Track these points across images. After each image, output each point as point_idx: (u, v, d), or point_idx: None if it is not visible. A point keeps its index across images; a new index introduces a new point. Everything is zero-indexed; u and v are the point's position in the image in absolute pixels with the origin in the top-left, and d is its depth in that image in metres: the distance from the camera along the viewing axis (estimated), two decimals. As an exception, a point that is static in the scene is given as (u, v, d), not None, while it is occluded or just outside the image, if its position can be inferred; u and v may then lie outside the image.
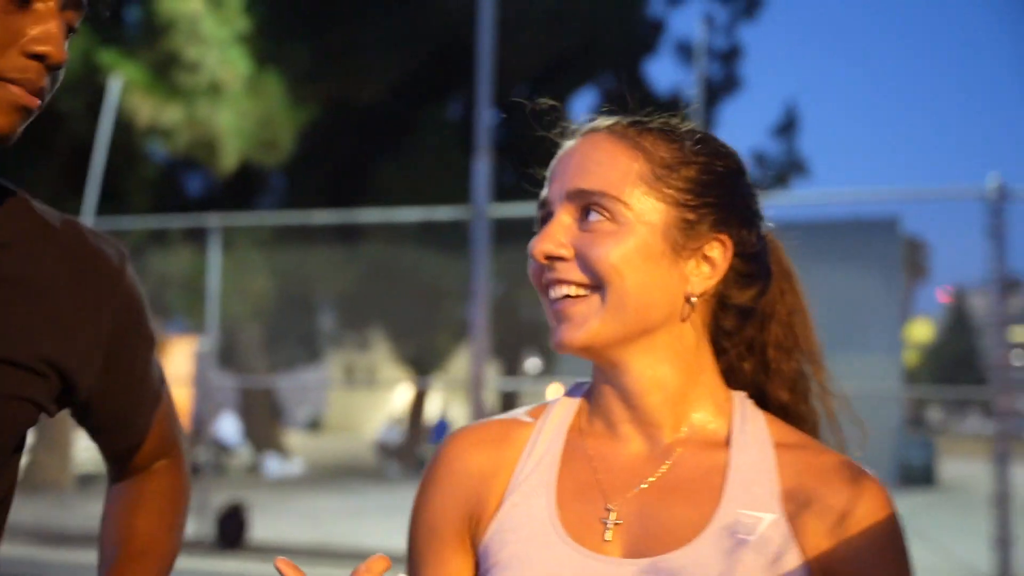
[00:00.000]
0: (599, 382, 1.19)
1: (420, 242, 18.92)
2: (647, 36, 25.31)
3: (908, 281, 38.60)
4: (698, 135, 1.19)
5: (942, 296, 69.49)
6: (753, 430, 1.16)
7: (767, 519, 1.08)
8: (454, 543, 1.18)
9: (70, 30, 1.18)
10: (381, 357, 27.14)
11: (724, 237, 1.13)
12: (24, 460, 1.36)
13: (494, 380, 12.15)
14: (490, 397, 12.52)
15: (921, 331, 69.77)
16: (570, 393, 1.26)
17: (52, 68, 1.16)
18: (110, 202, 16.88)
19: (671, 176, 1.12)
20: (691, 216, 1.11)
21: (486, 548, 1.15)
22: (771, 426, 1.17)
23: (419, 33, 20.87)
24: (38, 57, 1.13)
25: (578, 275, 1.10)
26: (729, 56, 25.87)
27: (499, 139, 15.37)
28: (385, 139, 21.91)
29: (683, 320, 1.14)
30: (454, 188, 15.79)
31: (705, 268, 1.12)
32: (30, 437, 1.45)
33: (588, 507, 1.13)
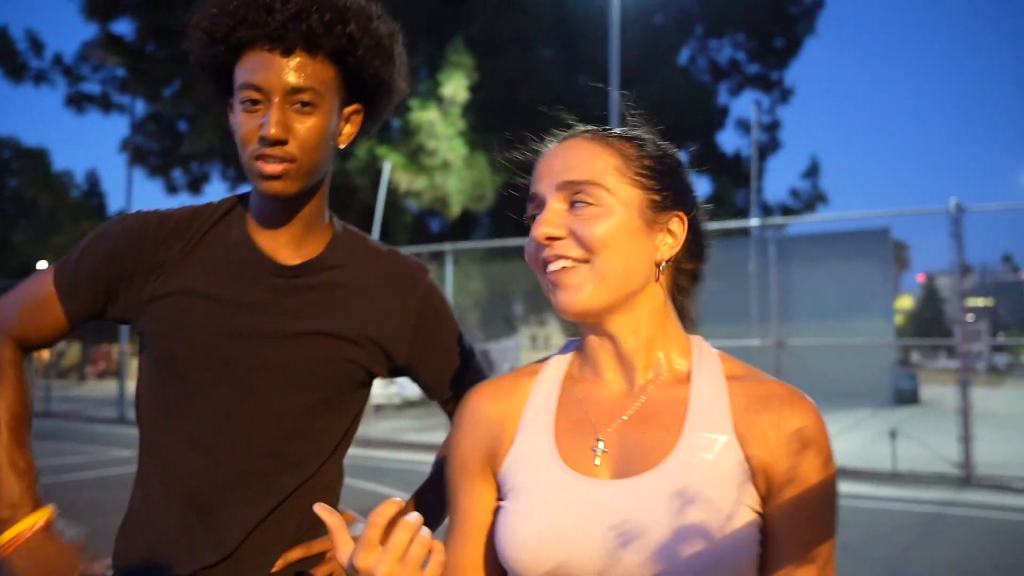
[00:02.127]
0: (587, 337, 1.10)
1: None
2: (717, 117, 26.52)
3: (896, 270, 39.34)
4: (648, 137, 1.11)
5: (920, 278, 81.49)
6: (708, 367, 1.06)
7: (721, 440, 0.99)
8: (479, 475, 1.10)
9: (304, 105, 1.20)
10: (554, 329, 27.86)
11: (681, 213, 1.07)
12: None
13: None
14: None
15: (905, 302, 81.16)
16: (563, 350, 1.17)
17: (275, 143, 1.19)
18: (386, 239, 19.85)
19: (638, 166, 1.05)
20: (656, 197, 1.05)
21: (503, 478, 1.07)
22: (723, 362, 1.07)
23: (572, 122, 23.87)
24: (265, 140, 1.19)
25: (573, 250, 1.02)
26: (772, 127, 27.19)
27: None
28: None
29: (656, 282, 1.06)
30: None
31: (669, 239, 1.06)
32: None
33: (581, 440, 1.04)
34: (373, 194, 19.91)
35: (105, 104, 26.06)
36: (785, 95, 27.37)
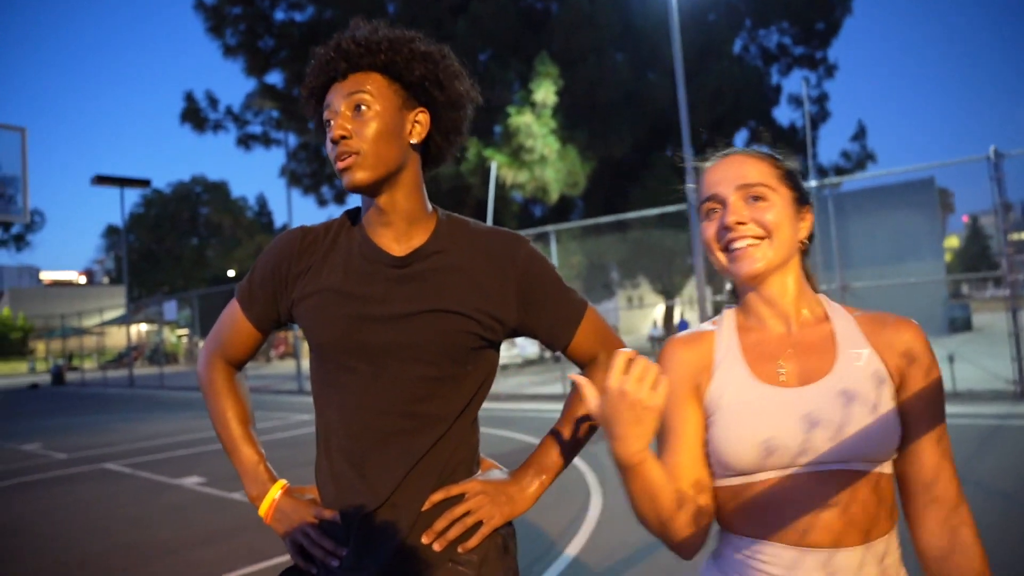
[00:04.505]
0: (750, 299, 1.20)
1: (659, 226, 19.28)
2: (771, 96, 25.94)
3: (942, 214, 35.89)
4: (781, 153, 1.24)
5: (964, 219, 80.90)
6: (838, 310, 1.20)
7: (865, 352, 1.13)
8: (687, 401, 1.18)
9: (356, 111, 1.23)
10: (646, 290, 27.34)
11: (806, 212, 1.20)
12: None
13: (709, 297, 12.57)
14: (708, 307, 12.79)
15: (952, 242, 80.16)
16: (728, 309, 1.27)
17: (342, 138, 1.22)
18: (497, 226, 21.13)
19: (782, 174, 1.19)
20: (796, 194, 1.19)
21: (709, 402, 1.17)
22: (845, 308, 1.20)
23: (645, 113, 22.30)
24: (333, 142, 1.23)
25: (755, 231, 1.14)
26: (820, 99, 26.07)
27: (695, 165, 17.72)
28: (632, 172, 23.06)
29: (800, 252, 1.20)
30: (676, 195, 17.35)
31: (804, 224, 1.20)
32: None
33: (765, 367, 1.15)
34: (484, 190, 20.31)
35: (266, 140, 27.47)
36: (830, 70, 26.44)
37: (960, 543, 1.11)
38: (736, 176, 1.18)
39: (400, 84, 1.28)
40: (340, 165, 1.24)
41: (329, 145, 1.26)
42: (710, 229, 1.19)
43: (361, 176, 1.24)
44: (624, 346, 1.27)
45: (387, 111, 1.25)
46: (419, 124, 1.30)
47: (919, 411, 1.13)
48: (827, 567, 1.07)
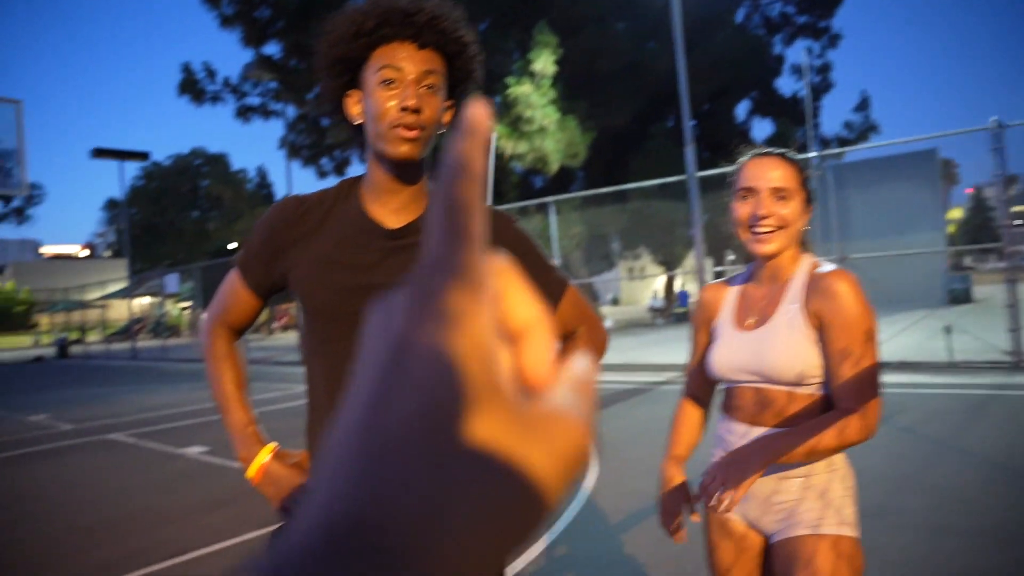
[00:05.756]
0: (759, 265, 1.62)
1: (660, 197, 19.42)
2: (773, 65, 25.64)
3: (945, 186, 34.91)
4: (801, 160, 1.58)
5: (968, 191, 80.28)
6: (802, 274, 1.57)
7: (794, 307, 1.54)
8: (704, 328, 1.75)
9: (429, 89, 1.26)
10: (646, 261, 26.77)
11: (809, 208, 1.59)
12: None
13: (709, 268, 12.83)
14: (707, 278, 12.18)
15: (955, 213, 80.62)
16: (743, 273, 1.71)
17: (415, 111, 1.24)
18: (497, 198, 19.80)
19: (801, 178, 1.55)
20: (807, 194, 1.56)
21: (713, 332, 1.72)
22: (819, 267, 1.56)
23: (646, 83, 22.23)
24: (406, 109, 1.24)
25: (776, 223, 1.52)
26: (823, 69, 26.02)
27: (696, 136, 17.21)
28: (633, 143, 23.13)
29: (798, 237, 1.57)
30: (676, 165, 16.36)
31: (808, 215, 1.57)
32: None
33: (744, 315, 1.63)
34: (484, 161, 20.28)
35: (264, 112, 27.26)
36: (833, 40, 26.17)
37: (841, 419, 1.47)
38: (771, 178, 1.54)
39: (450, 78, 1.32)
40: (407, 134, 1.25)
41: (387, 107, 1.26)
42: (742, 212, 1.57)
43: (418, 152, 1.27)
44: (602, 324, 1.51)
45: (443, 100, 1.30)
46: (446, 117, 1.35)
47: (832, 342, 1.49)
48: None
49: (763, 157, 1.57)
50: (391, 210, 1.35)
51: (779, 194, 1.52)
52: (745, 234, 1.56)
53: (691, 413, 1.86)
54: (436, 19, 1.26)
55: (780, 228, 1.53)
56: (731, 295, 1.69)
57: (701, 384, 1.83)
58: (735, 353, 1.60)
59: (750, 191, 1.54)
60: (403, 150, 1.26)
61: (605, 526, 4.21)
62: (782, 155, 1.57)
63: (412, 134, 1.25)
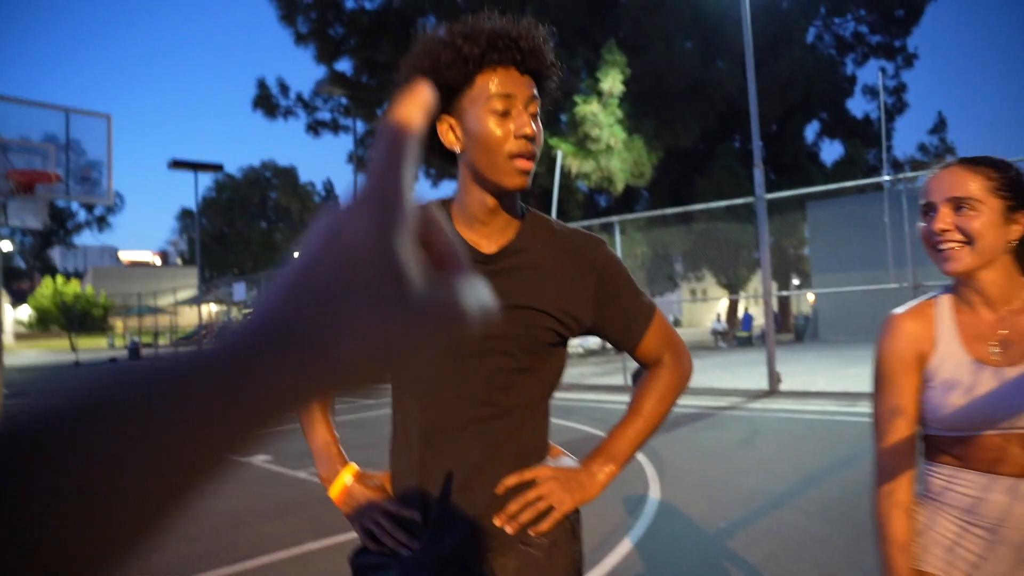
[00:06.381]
0: (963, 287, 1.42)
1: (725, 218, 19.47)
2: (845, 86, 25.30)
3: None
4: (1005, 163, 1.39)
5: None
6: None
7: None
8: (911, 368, 1.43)
9: (534, 116, 1.26)
10: (709, 283, 26.97)
11: (1021, 216, 1.36)
12: None
13: (774, 291, 12.15)
14: (773, 301, 12.05)
15: None
16: (944, 292, 1.48)
17: (531, 139, 1.23)
18: (561, 216, 19.63)
19: (998, 184, 1.35)
20: (1011, 203, 1.36)
21: (930, 371, 1.41)
22: None
23: (713, 103, 22.07)
24: (524, 137, 1.22)
25: (959, 237, 1.35)
26: (898, 90, 25.48)
27: (765, 158, 17.06)
28: (699, 163, 23.04)
29: (1006, 253, 1.37)
30: (743, 187, 16.90)
31: (1015, 229, 1.36)
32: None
33: (978, 347, 1.38)
34: (550, 179, 19.98)
35: (334, 127, 28.10)
36: (909, 60, 25.55)
37: None
38: (947, 188, 1.37)
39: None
40: (525, 166, 1.24)
41: (503, 136, 1.23)
42: (923, 229, 1.42)
43: (528, 182, 1.26)
44: (687, 351, 1.45)
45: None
46: None
47: None
48: (1013, 491, 1.34)
49: (944, 167, 1.42)
50: (485, 235, 1.34)
51: (958, 204, 1.36)
52: (931, 252, 1.42)
53: (906, 507, 1.44)
54: (539, 46, 1.26)
55: (965, 243, 1.35)
56: (944, 323, 1.44)
57: (908, 449, 1.44)
58: (994, 399, 1.34)
59: (929, 206, 1.40)
60: (518, 182, 1.25)
61: (668, 551, 4.14)
62: (963, 161, 1.41)
63: (529, 165, 1.24)
